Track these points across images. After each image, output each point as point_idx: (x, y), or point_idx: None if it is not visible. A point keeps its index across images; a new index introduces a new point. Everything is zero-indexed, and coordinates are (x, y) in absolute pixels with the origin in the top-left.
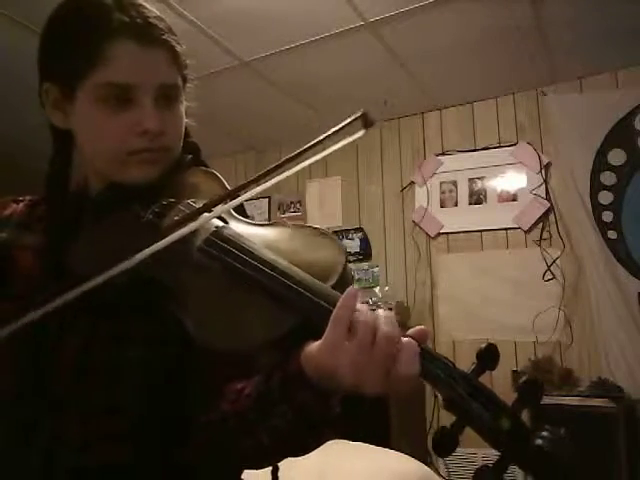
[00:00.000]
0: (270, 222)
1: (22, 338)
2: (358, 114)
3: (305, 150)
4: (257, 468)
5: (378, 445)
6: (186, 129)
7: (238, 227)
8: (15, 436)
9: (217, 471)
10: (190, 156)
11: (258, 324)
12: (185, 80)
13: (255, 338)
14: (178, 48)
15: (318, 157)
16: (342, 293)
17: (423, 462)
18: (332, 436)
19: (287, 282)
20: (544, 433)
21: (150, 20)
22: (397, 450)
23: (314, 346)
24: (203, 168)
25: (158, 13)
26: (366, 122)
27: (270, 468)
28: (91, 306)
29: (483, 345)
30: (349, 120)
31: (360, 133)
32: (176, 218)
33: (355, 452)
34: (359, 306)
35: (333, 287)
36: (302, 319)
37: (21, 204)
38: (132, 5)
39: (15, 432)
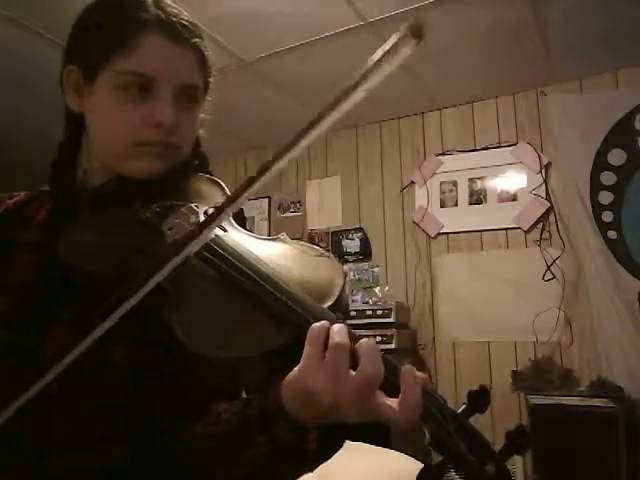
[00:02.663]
0: (271, 237)
1: (9, 333)
2: (405, 29)
3: (357, 84)
4: None
5: (378, 445)
6: (197, 139)
7: (238, 237)
8: (3, 435)
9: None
10: (197, 162)
11: (248, 336)
12: (207, 87)
13: (243, 349)
14: (206, 54)
15: (370, 85)
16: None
17: (423, 462)
18: (308, 470)
19: (282, 297)
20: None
21: (184, 21)
22: (397, 450)
23: (295, 369)
24: (208, 175)
25: (192, 18)
26: (415, 32)
27: None
28: (79, 302)
29: (475, 388)
30: (396, 39)
31: (411, 45)
32: (181, 223)
33: (355, 452)
34: (337, 328)
35: (329, 309)
36: (293, 337)
37: (13, 200)
38: (168, 5)
39: (2, 427)
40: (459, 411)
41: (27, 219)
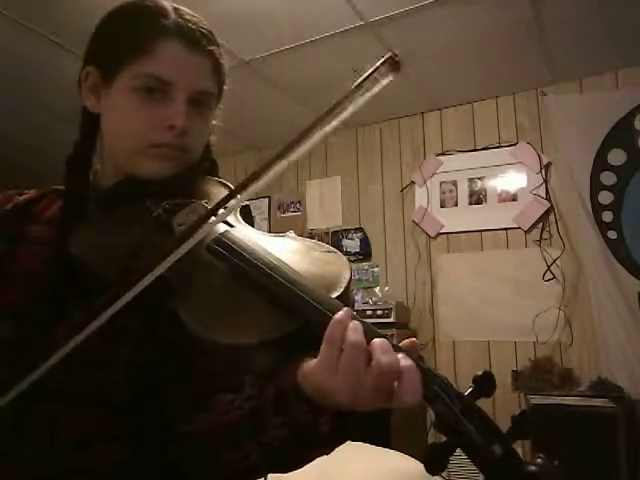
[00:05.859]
0: (279, 234)
1: (13, 324)
2: (385, 57)
3: (333, 108)
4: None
5: (378, 445)
6: (208, 144)
7: (246, 232)
8: (8, 431)
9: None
10: (207, 164)
11: (258, 324)
12: (220, 95)
13: (253, 336)
14: (222, 62)
15: (347, 113)
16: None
17: (423, 462)
18: (323, 453)
19: (290, 287)
20: (537, 461)
21: (202, 30)
22: (397, 450)
23: (311, 364)
24: (218, 179)
25: (209, 26)
26: (394, 65)
27: None
28: (90, 299)
29: (479, 372)
30: (376, 65)
31: (389, 78)
32: (192, 219)
33: (355, 452)
34: (353, 326)
35: (336, 299)
36: (302, 325)
37: (23, 197)
38: (187, 13)
39: (7, 426)
40: (465, 393)
41: (36, 215)
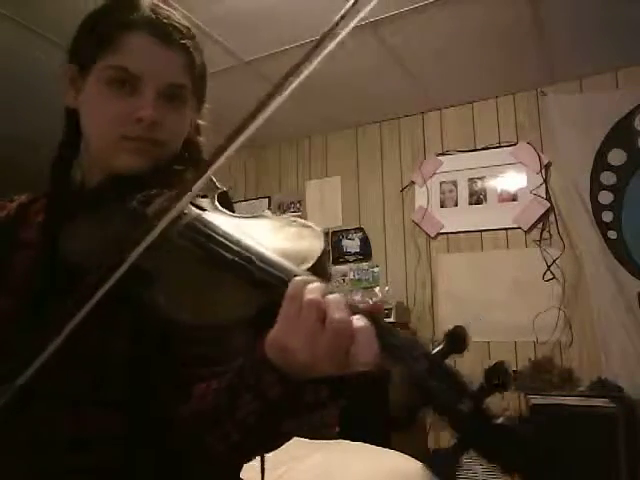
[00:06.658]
0: (255, 215)
1: (11, 331)
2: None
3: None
4: (229, 465)
5: (378, 445)
6: (197, 145)
7: (217, 215)
8: (7, 431)
9: (204, 470)
10: (187, 154)
11: (231, 302)
12: (199, 89)
13: (227, 315)
14: (195, 55)
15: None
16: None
17: (423, 462)
18: (299, 428)
19: (258, 263)
20: (506, 415)
21: (174, 23)
22: (397, 450)
23: (274, 328)
24: (198, 169)
25: (186, 23)
26: None
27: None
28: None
29: (450, 327)
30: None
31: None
32: (157, 205)
33: (355, 452)
34: (312, 286)
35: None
36: (273, 298)
37: (15, 202)
38: (161, 7)
39: (6, 426)
40: (434, 351)
41: (28, 220)
